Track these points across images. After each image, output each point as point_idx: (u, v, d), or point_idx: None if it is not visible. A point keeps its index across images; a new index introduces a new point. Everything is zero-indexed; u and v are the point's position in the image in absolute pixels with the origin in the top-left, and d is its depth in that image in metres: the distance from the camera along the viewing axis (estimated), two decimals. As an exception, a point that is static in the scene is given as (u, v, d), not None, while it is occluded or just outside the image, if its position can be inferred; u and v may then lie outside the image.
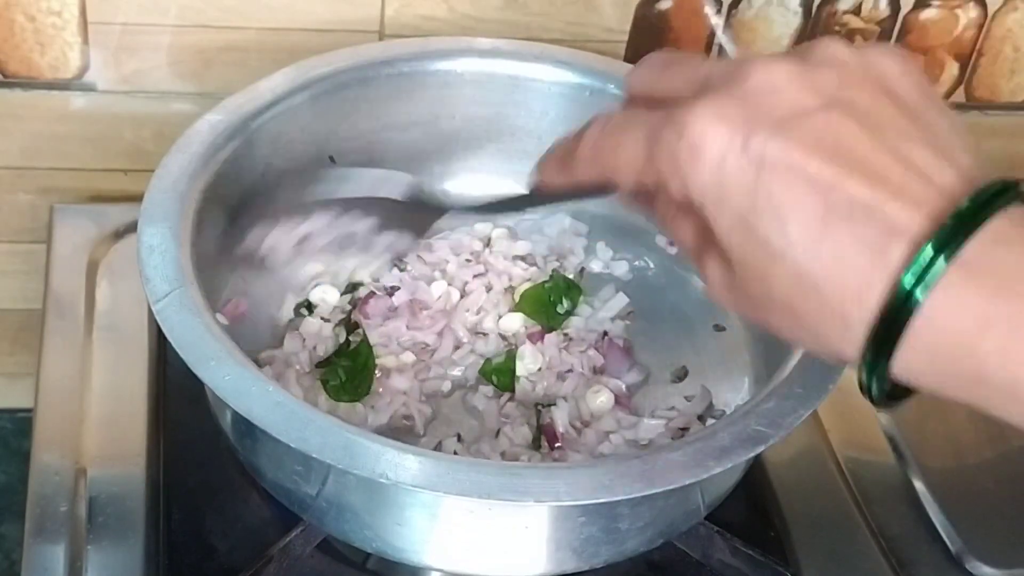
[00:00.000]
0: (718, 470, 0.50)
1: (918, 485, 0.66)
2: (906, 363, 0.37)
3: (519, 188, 0.72)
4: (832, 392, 0.54)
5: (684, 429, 0.62)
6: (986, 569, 0.63)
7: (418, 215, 0.61)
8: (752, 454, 0.51)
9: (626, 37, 0.77)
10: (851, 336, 0.37)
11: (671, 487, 0.50)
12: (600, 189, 0.45)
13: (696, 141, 0.38)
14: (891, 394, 0.39)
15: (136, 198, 0.59)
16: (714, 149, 0.38)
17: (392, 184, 0.61)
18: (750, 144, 0.37)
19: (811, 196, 0.37)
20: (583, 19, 0.76)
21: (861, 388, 0.39)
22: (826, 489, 0.66)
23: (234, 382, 0.51)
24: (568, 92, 0.70)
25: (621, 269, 0.71)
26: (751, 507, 0.64)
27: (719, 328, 0.68)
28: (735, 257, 0.39)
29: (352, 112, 0.69)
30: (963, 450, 0.69)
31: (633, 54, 0.78)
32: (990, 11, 0.79)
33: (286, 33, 0.74)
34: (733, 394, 0.65)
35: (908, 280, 0.36)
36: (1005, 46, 0.81)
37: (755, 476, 0.65)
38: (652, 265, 0.72)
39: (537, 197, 0.51)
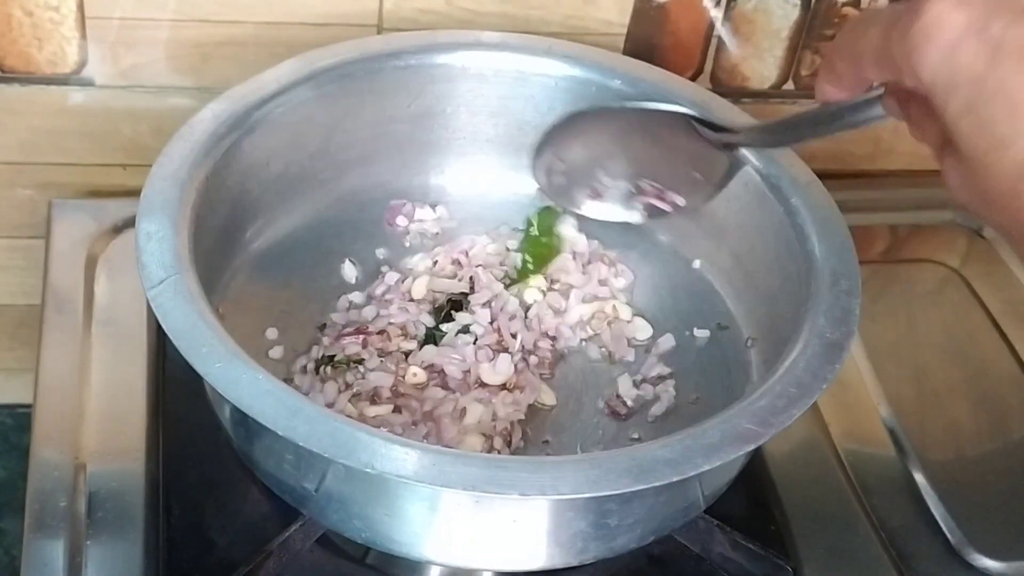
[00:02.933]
0: (706, 467, 0.50)
1: (918, 477, 0.66)
2: None
3: (524, 187, 0.73)
4: (825, 392, 0.54)
5: None
6: (986, 561, 0.63)
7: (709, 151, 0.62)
8: (740, 452, 0.51)
9: (625, 30, 0.77)
10: None
11: (658, 483, 0.49)
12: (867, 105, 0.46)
13: (931, 23, 0.38)
14: None
15: (134, 193, 0.59)
16: (949, 32, 0.37)
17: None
18: (989, 28, 0.37)
19: None
20: (582, 12, 0.76)
21: None
22: (826, 482, 0.66)
23: (225, 370, 0.51)
24: (574, 87, 0.70)
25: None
26: (751, 500, 0.64)
27: (722, 327, 0.68)
28: (963, 146, 0.39)
29: (357, 104, 0.69)
30: (963, 442, 0.69)
31: (632, 47, 0.77)
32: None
33: (284, 27, 0.74)
34: (733, 392, 0.65)
35: None
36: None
37: (755, 469, 0.65)
38: (655, 262, 0.72)
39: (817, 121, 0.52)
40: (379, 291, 0.68)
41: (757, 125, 0.63)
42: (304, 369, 0.64)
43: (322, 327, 0.66)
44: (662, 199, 0.65)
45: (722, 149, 0.62)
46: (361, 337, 0.64)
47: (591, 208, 0.68)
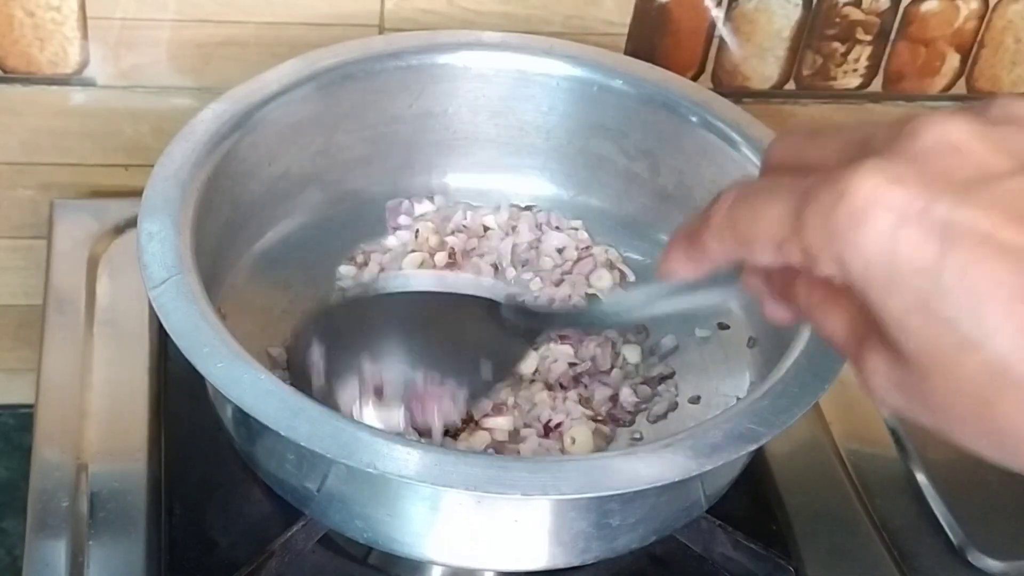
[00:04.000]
0: (708, 467, 0.50)
1: (920, 478, 0.66)
2: None
3: (525, 187, 0.73)
4: (827, 392, 0.54)
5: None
6: (988, 561, 0.63)
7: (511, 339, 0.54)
8: (743, 452, 0.51)
9: (626, 30, 0.77)
10: None
11: (659, 483, 0.49)
12: (723, 282, 0.40)
13: (861, 206, 0.32)
14: None
15: (136, 193, 0.59)
16: (885, 216, 0.32)
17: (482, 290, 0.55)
18: (932, 210, 0.31)
19: (1012, 272, 0.31)
20: (583, 12, 0.76)
21: None
22: (828, 482, 0.66)
23: (227, 370, 0.51)
24: (576, 87, 0.70)
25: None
26: (753, 500, 0.64)
27: (723, 327, 0.68)
28: (911, 349, 0.33)
29: (358, 104, 0.69)
30: (965, 442, 0.69)
31: (633, 47, 0.77)
32: (991, 2, 0.79)
33: (285, 27, 0.74)
34: (735, 392, 0.65)
35: None
36: (1006, 37, 0.81)
37: (757, 469, 0.65)
38: (655, 262, 0.72)
39: (648, 300, 0.47)
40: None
41: (563, 310, 0.57)
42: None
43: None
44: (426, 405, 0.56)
45: (524, 335, 0.55)
46: None
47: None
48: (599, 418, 0.63)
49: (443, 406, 0.56)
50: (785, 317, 0.41)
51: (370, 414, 0.55)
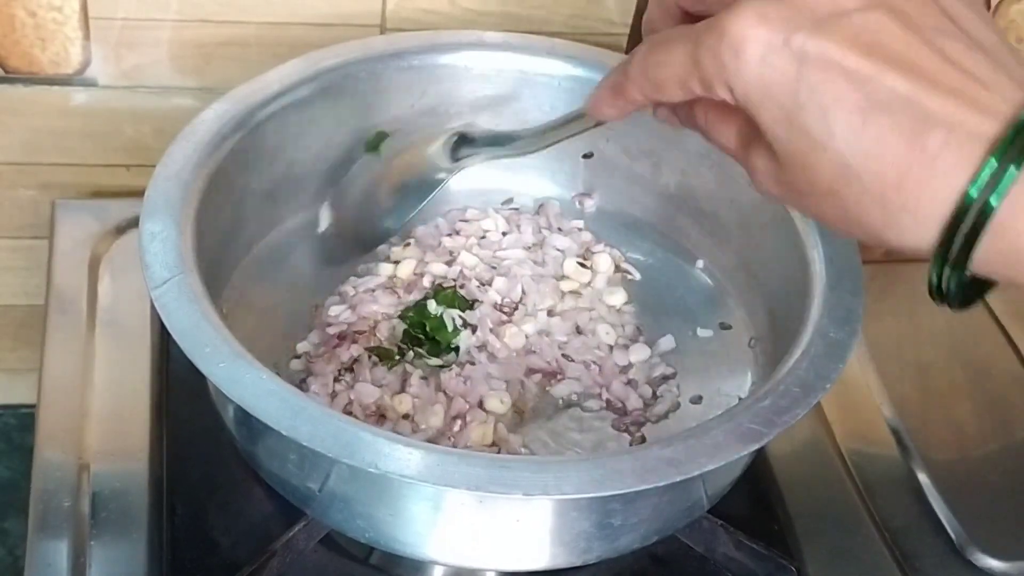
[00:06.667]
0: (710, 467, 0.50)
1: (922, 477, 0.66)
2: (984, 261, 0.39)
3: (526, 187, 0.73)
4: (828, 392, 0.53)
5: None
6: (990, 561, 0.63)
7: None
8: (744, 452, 0.51)
9: (628, 30, 0.77)
10: (892, 222, 0.39)
11: (661, 483, 0.49)
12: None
13: (738, 41, 0.40)
14: (965, 294, 0.41)
15: (137, 193, 0.59)
16: (756, 48, 0.40)
17: None
18: (791, 42, 0.39)
19: (851, 89, 0.39)
20: (584, 12, 0.76)
21: (931, 291, 0.41)
22: (830, 482, 0.66)
23: (228, 370, 0.51)
24: (577, 87, 0.70)
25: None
26: (755, 500, 0.64)
27: (725, 327, 0.68)
28: (780, 149, 0.41)
29: (360, 104, 0.69)
30: (966, 442, 0.69)
31: (634, 47, 0.77)
32: (993, 2, 0.79)
33: (287, 27, 0.74)
34: (736, 392, 0.65)
35: (976, 189, 0.37)
36: (1008, 36, 0.81)
37: (759, 469, 0.65)
38: (658, 262, 0.72)
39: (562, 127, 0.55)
40: (360, 287, 0.67)
41: (502, 133, 0.64)
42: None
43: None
44: None
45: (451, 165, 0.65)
46: (347, 344, 0.64)
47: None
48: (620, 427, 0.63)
49: None
50: (675, 123, 0.49)
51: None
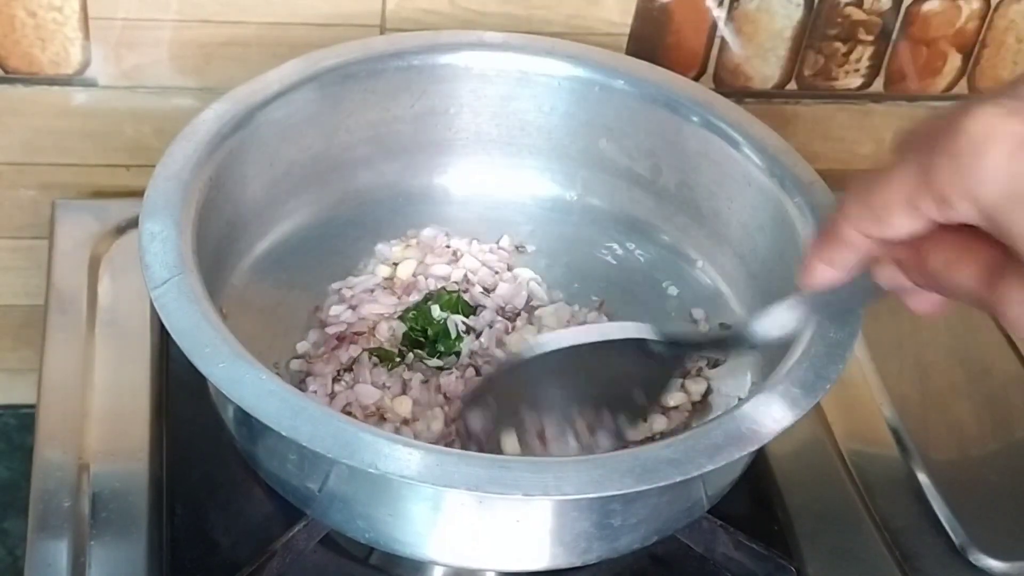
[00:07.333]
0: (709, 468, 0.50)
1: (922, 478, 0.66)
2: None
3: (527, 187, 0.73)
4: (828, 392, 0.53)
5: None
6: (990, 561, 0.63)
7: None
8: (743, 453, 0.51)
9: (628, 30, 0.77)
10: None
11: (660, 484, 0.49)
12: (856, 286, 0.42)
13: (980, 139, 0.34)
14: None
15: (137, 193, 0.59)
16: (1003, 145, 0.34)
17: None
18: None
19: None
20: (585, 12, 0.76)
21: None
22: (830, 482, 0.66)
23: (228, 370, 0.51)
24: (577, 87, 0.70)
25: None
26: (755, 500, 0.64)
27: (725, 327, 0.68)
28: None
29: (360, 104, 0.69)
30: (967, 443, 0.69)
31: (635, 47, 0.77)
32: (993, 2, 0.79)
33: (287, 27, 0.74)
34: (736, 392, 0.64)
35: None
36: (1008, 37, 0.81)
37: (759, 469, 0.65)
38: (658, 262, 0.72)
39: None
40: (359, 288, 0.68)
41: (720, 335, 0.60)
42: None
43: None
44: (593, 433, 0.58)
45: (669, 363, 0.57)
46: (347, 344, 0.64)
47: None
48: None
49: (600, 438, 0.58)
50: (928, 304, 0.43)
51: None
